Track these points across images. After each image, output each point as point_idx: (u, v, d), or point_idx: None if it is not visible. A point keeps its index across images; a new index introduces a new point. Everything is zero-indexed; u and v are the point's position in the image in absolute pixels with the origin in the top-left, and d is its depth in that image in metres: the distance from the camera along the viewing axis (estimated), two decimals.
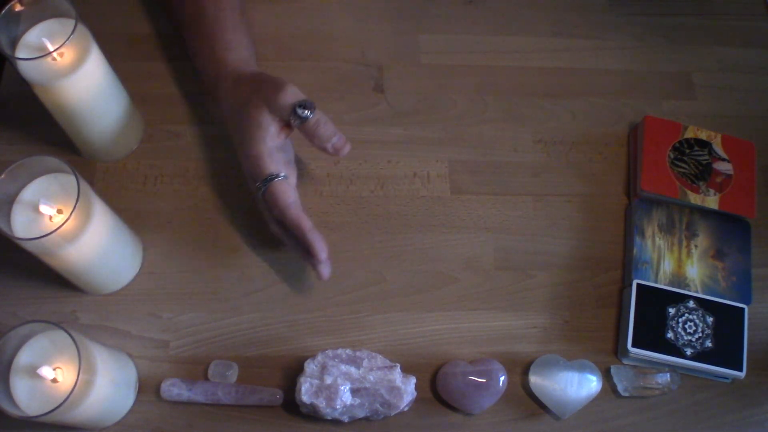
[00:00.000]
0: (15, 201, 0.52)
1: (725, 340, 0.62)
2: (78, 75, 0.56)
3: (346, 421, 0.57)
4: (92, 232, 0.53)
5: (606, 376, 0.62)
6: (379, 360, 0.58)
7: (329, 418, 0.56)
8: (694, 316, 0.63)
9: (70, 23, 0.54)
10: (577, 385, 0.59)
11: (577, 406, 0.59)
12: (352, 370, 0.57)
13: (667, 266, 0.65)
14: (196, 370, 0.60)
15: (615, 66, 0.76)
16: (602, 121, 0.73)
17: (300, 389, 0.56)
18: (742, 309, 0.64)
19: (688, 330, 0.62)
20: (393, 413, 0.57)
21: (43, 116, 0.61)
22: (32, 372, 0.49)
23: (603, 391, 0.61)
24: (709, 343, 0.62)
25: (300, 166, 0.68)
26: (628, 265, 0.66)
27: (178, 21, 0.68)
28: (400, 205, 0.68)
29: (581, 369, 0.60)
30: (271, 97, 0.57)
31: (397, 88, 0.73)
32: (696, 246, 0.66)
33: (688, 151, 0.68)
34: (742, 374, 0.61)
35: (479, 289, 0.65)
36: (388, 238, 0.66)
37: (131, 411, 0.58)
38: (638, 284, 0.63)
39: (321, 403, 0.55)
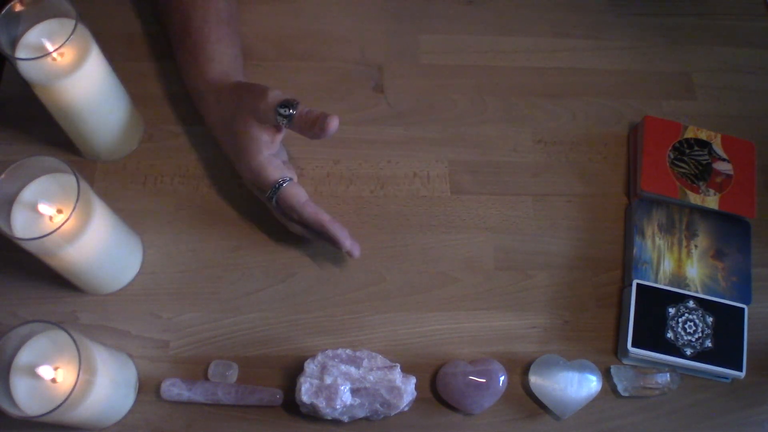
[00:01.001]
0: (15, 201, 0.52)
1: (725, 340, 0.62)
2: (78, 75, 0.56)
3: (346, 421, 0.57)
4: (92, 232, 0.53)
5: (606, 376, 0.62)
6: (379, 360, 0.58)
7: (329, 418, 0.56)
8: (694, 316, 0.63)
9: (70, 23, 0.54)
10: (577, 385, 0.59)
11: (577, 406, 0.60)
12: (352, 370, 0.57)
13: (667, 266, 0.65)
14: (196, 370, 0.60)
15: (615, 66, 0.76)
16: (602, 121, 0.73)
17: (300, 389, 0.56)
18: (742, 309, 0.64)
19: (688, 330, 0.62)
20: (393, 413, 0.57)
21: (43, 116, 0.61)
22: (32, 372, 0.49)
23: (603, 391, 0.61)
24: (709, 343, 0.62)
25: (300, 165, 0.68)
26: (628, 265, 0.66)
27: (167, 35, 0.69)
28: (400, 205, 0.68)
29: (581, 369, 0.60)
30: (254, 106, 0.57)
31: (397, 88, 0.73)
32: (696, 246, 0.66)
33: (688, 151, 0.68)
34: (742, 374, 0.61)
35: (479, 289, 0.65)
36: (388, 238, 0.66)
37: (131, 411, 0.58)
38: (638, 284, 0.63)
39: (321, 403, 0.55)
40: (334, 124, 0.55)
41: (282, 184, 0.59)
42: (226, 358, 0.61)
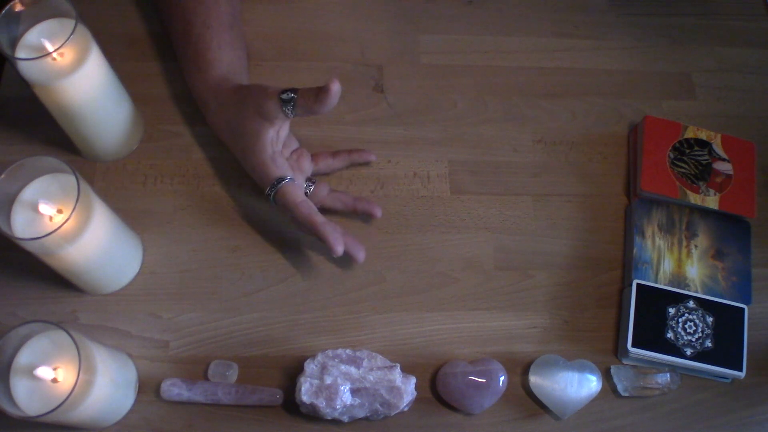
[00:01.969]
0: (15, 201, 0.52)
1: (725, 340, 0.62)
2: (78, 75, 0.56)
3: (346, 421, 0.57)
4: (92, 232, 0.53)
5: (606, 376, 0.62)
6: (379, 360, 0.58)
7: (329, 418, 0.56)
8: (694, 316, 0.63)
9: (70, 23, 0.54)
10: (577, 385, 0.59)
11: (577, 406, 0.60)
12: (352, 370, 0.57)
13: (667, 266, 0.65)
14: (196, 370, 0.60)
15: (615, 66, 0.76)
16: (602, 121, 0.73)
17: (300, 389, 0.56)
18: (742, 309, 0.64)
19: (688, 330, 0.62)
20: (393, 413, 0.57)
21: (43, 116, 0.61)
22: (32, 372, 0.49)
23: (603, 391, 0.61)
24: (709, 343, 0.62)
25: None
26: (628, 265, 0.66)
27: (169, 39, 0.69)
28: (400, 205, 0.68)
29: (581, 369, 0.60)
30: (258, 103, 0.58)
31: (397, 88, 0.73)
32: (696, 246, 0.66)
33: (688, 151, 0.68)
34: (742, 374, 0.61)
35: (479, 289, 0.65)
36: (388, 238, 0.66)
37: (131, 411, 0.58)
38: (638, 284, 0.63)
39: (321, 403, 0.55)
40: (336, 84, 0.55)
41: (280, 182, 0.59)
42: (226, 358, 0.61)
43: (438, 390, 0.60)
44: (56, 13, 0.56)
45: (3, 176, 0.50)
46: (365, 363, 0.58)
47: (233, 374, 0.60)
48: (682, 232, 0.67)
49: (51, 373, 0.49)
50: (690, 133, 0.69)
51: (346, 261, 0.65)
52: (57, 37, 0.55)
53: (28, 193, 0.53)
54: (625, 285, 0.65)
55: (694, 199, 0.66)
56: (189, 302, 0.63)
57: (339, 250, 0.58)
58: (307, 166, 0.65)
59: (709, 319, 0.63)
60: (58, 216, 0.52)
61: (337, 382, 0.56)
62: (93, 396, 0.50)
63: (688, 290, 0.64)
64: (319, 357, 0.57)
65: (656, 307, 0.63)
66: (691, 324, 0.63)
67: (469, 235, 0.67)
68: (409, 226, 0.67)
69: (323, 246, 0.59)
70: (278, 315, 0.63)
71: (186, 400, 0.58)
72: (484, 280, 0.65)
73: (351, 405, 0.56)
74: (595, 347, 0.64)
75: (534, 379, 0.61)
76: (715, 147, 0.69)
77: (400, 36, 0.76)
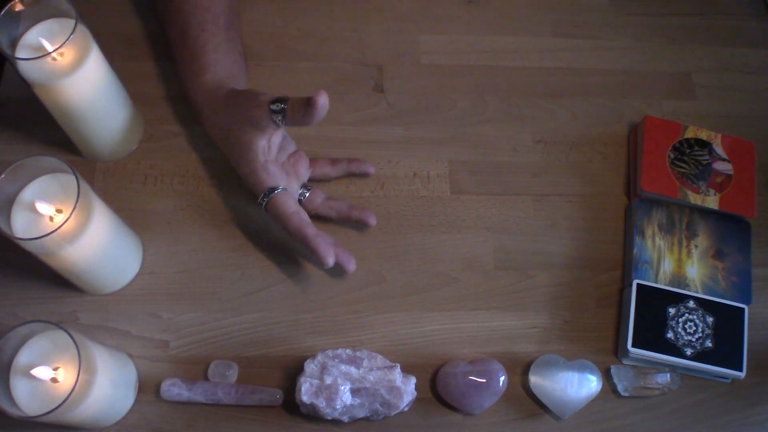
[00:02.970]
0: (15, 201, 0.52)
1: (725, 340, 0.62)
2: (78, 75, 0.56)
3: (346, 421, 0.57)
4: (92, 232, 0.53)
5: (606, 376, 0.62)
6: (379, 360, 0.58)
7: (329, 418, 0.56)
8: (694, 316, 0.63)
9: (70, 23, 0.54)
10: (577, 385, 0.59)
11: (577, 406, 0.60)
12: (352, 370, 0.57)
13: (667, 266, 0.65)
14: (196, 370, 0.60)
15: (615, 66, 0.76)
16: (602, 121, 0.73)
17: (300, 389, 0.56)
18: (742, 309, 0.64)
19: (688, 330, 0.62)
20: (393, 413, 0.57)
21: (43, 116, 0.61)
22: (32, 372, 0.49)
23: (603, 391, 0.61)
24: (709, 343, 0.62)
25: None
26: (628, 265, 0.66)
27: (167, 42, 0.68)
28: (400, 205, 0.68)
29: (581, 369, 0.60)
30: (248, 112, 0.57)
31: (397, 88, 0.73)
32: (696, 246, 0.66)
33: (688, 151, 0.68)
34: (742, 374, 0.61)
35: (479, 289, 0.65)
36: (388, 238, 0.66)
37: (131, 411, 0.58)
38: (638, 284, 0.63)
39: (321, 403, 0.55)
40: (323, 97, 0.54)
41: (272, 192, 0.59)
42: (226, 358, 0.61)
43: (438, 390, 0.60)
44: (56, 13, 0.56)
45: (3, 176, 0.50)
46: (365, 363, 0.58)
47: (233, 374, 0.60)
48: (682, 232, 0.67)
49: (51, 373, 0.49)
50: (690, 133, 0.69)
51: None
52: (57, 37, 0.55)
53: (28, 193, 0.53)
54: (625, 285, 0.65)
55: (694, 199, 0.66)
56: (189, 302, 0.63)
57: (330, 262, 0.58)
58: (304, 172, 0.64)
59: (709, 319, 0.63)
60: (58, 216, 0.52)
61: (337, 382, 0.56)
62: (93, 396, 0.50)
63: (688, 290, 0.64)
64: (319, 357, 0.57)
65: (656, 307, 0.63)
66: (691, 324, 0.63)
67: (469, 235, 0.67)
68: (409, 226, 0.67)
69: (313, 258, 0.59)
70: (278, 315, 0.63)
71: (186, 400, 0.58)
72: (484, 280, 0.65)
73: (351, 405, 0.56)
74: (595, 347, 0.64)
75: (534, 379, 0.61)
76: (715, 147, 0.69)
77: (400, 36, 0.76)
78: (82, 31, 0.56)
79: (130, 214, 0.64)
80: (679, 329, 0.62)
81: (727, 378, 0.63)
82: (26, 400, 0.49)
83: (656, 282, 0.64)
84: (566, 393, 0.59)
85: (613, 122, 0.73)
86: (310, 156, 0.66)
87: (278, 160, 0.62)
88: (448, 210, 0.68)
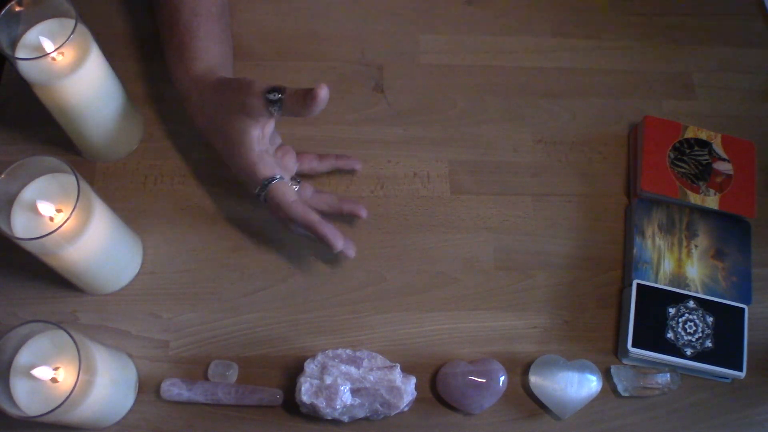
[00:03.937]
0: (15, 201, 0.52)
1: (725, 340, 0.62)
2: (78, 75, 0.56)
3: (346, 421, 0.57)
4: (92, 232, 0.53)
5: (606, 376, 0.62)
6: (379, 360, 0.58)
7: (329, 418, 0.56)
8: (694, 316, 0.63)
9: (70, 23, 0.54)
10: (577, 385, 0.59)
11: (577, 406, 0.60)
12: (352, 370, 0.57)
13: (667, 266, 0.65)
14: (196, 370, 0.60)
15: (615, 66, 0.76)
16: (602, 121, 0.73)
17: (300, 389, 0.56)
18: (742, 309, 0.64)
19: (688, 330, 0.62)
20: (393, 413, 0.57)
21: (43, 116, 0.61)
22: (32, 372, 0.49)
23: (603, 391, 0.61)
24: (709, 343, 0.62)
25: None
26: (628, 265, 0.66)
27: (157, 29, 0.67)
28: (400, 205, 0.68)
29: (581, 369, 0.60)
30: (242, 100, 0.56)
31: (397, 88, 0.73)
32: (696, 246, 0.66)
33: (688, 151, 0.68)
34: (742, 374, 0.61)
35: (479, 289, 0.65)
36: (388, 238, 0.66)
37: (131, 411, 0.58)
38: (638, 284, 0.63)
39: (321, 403, 0.55)
40: (324, 90, 0.54)
41: (270, 182, 0.58)
42: (226, 358, 0.61)
43: (438, 390, 0.60)
44: (56, 13, 0.56)
45: (3, 176, 0.50)
46: (365, 363, 0.58)
47: (233, 374, 0.60)
48: (682, 232, 0.67)
49: (51, 373, 0.49)
50: (690, 133, 0.69)
51: (346, 261, 0.65)
52: (57, 37, 0.55)
53: (28, 193, 0.53)
54: (625, 285, 0.65)
55: (694, 199, 0.66)
56: (189, 302, 0.63)
57: (339, 245, 0.58)
58: (292, 165, 0.64)
59: (709, 319, 0.63)
60: (58, 216, 0.52)
61: (337, 382, 0.56)
62: (93, 396, 0.50)
63: (688, 290, 0.64)
64: (319, 357, 0.57)
65: (656, 307, 0.63)
66: (691, 324, 0.63)
67: (469, 235, 0.67)
68: (409, 226, 0.67)
69: (318, 245, 0.59)
70: (278, 315, 0.63)
71: (186, 400, 0.58)
72: (484, 280, 0.65)
73: (351, 405, 0.56)
74: (595, 347, 0.64)
75: (534, 379, 0.61)
76: (715, 147, 0.69)
77: (400, 36, 0.76)
78: (82, 31, 0.56)
79: (130, 214, 0.64)
80: (679, 329, 0.62)
81: (727, 378, 0.63)
82: (26, 400, 0.49)
83: (656, 282, 0.64)
84: (566, 393, 0.59)
85: (613, 122, 0.73)
86: (297, 150, 0.65)
87: (269, 151, 0.60)
88: (448, 210, 0.68)
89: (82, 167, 0.66)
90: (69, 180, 0.51)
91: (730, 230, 0.67)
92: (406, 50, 0.75)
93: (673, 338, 0.62)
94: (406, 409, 0.58)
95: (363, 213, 0.64)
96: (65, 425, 0.53)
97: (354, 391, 0.56)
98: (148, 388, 0.59)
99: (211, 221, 0.66)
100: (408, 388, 0.57)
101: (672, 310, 0.63)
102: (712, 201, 0.66)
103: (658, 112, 0.74)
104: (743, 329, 0.63)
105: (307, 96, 0.54)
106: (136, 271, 0.63)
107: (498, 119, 0.73)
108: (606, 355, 0.64)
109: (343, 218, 0.66)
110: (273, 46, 0.74)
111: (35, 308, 0.61)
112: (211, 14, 0.64)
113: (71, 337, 0.47)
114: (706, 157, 0.68)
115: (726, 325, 0.63)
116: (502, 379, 0.59)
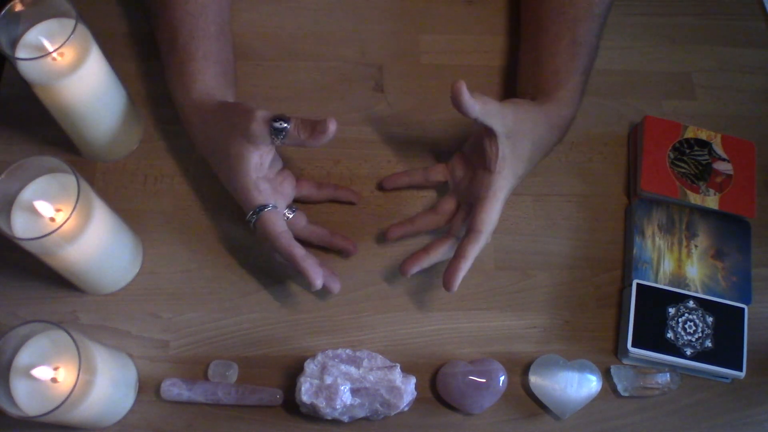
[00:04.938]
0: (15, 201, 0.52)
1: (725, 340, 0.62)
2: (78, 75, 0.56)
3: (346, 421, 0.57)
4: (92, 232, 0.53)
5: (606, 376, 0.62)
6: (379, 360, 0.58)
7: (329, 418, 0.56)
8: (694, 316, 0.63)
9: (70, 23, 0.54)
10: (577, 385, 0.59)
11: (577, 406, 0.60)
12: (352, 370, 0.57)
13: (667, 266, 0.65)
14: (196, 370, 0.60)
15: (615, 66, 0.76)
16: (602, 121, 0.73)
17: (300, 389, 0.56)
18: (742, 309, 0.64)
19: (688, 330, 0.62)
20: (393, 413, 0.57)
21: (43, 116, 0.61)
22: (32, 372, 0.49)
23: (603, 391, 0.61)
24: (709, 343, 0.62)
25: (300, 165, 0.68)
26: (628, 265, 0.66)
27: (157, 48, 0.67)
28: (400, 205, 0.68)
29: (581, 369, 0.60)
30: (245, 126, 0.56)
31: (397, 88, 0.73)
32: (696, 246, 0.66)
33: (688, 151, 0.68)
34: (742, 374, 0.61)
35: (479, 289, 0.65)
36: None
37: (131, 411, 0.58)
38: (638, 284, 0.63)
39: (321, 403, 0.55)
40: (334, 124, 0.55)
41: (262, 209, 0.58)
42: (226, 358, 0.61)
43: (438, 390, 0.60)
44: (56, 13, 0.56)
45: (3, 176, 0.50)
46: (365, 363, 0.58)
47: (233, 374, 0.60)
48: (682, 232, 0.67)
49: (51, 373, 0.49)
50: (690, 133, 0.69)
51: (346, 261, 0.65)
52: (57, 37, 0.55)
53: (28, 193, 0.53)
54: (625, 285, 0.65)
55: (694, 199, 0.66)
56: (189, 302, 0.63)
57: (318, 284, 0.57)
58: (290, 192, 0.63)
59: (709, 319, 0.63)
60: (58, 216, 0.52)
61: (337, 382, 0.56)
62: (93, 396, 0.50)
63: (688, 290, 0.64)
64: (319, 357, 0.57)
65: (656, 307, 0.63)
66: (691, 324, 0.63)
67: None
68: None
69: (300, 277, 0.58)
70: (278, 315, 0.63)
71: (186, 400, 0.58)
72: (484, 280, 0.65)
73: (351, 405, 0.56)
74: (595, 347, 0.64)
75: (534, 379, 0.61)
76: (715, 147, 0.69)
77: (400, 36, 0.76)
78: (82, 31, 0.56)
79: (130, 214, 0.64)
80: (679, 329, 0.62)
81: (727, 378, 0.63)
82: (26, 400, 0.49)
83: (656, 282, 0.64)
84: (566, 393, 0.59)
85: (613, 122, 0.73)
86: (296, 174, 0.65)
87: (267, 177, 0.60)
88: None
89: (82, 167, 0.66)
90: (69, 180, 0.51)
91: (730, 230, 0.67)
92: (406, 50, 0.75)
93: (673, 338, 0.62)
94: (406, 409, 0.58)
95: (354, 250, 0.64)
96: (65, 425, 0.53)
97: (354, 391, 0.56)
98: (148, 388, 0.59)
99: (211, 221, 0.66)
100: (408, 388, 0.57)
101: (672, 310, 0.63)
102: (712, 201, 0.66)
103: (658, 112, 0.74)
104: (743, 329, 0.63)
105: (317, 127, 0.55)
106: (136, 271, 0.63)
107: None
108: (606, 355, 0.64)
109: (343, 218, 0.66)
110: (273, 46, 0.74)
111: (35, 308, 0.61)
112: (208, 35, 0.63)
113: (71, 337, 0.47)
114: (706, 157, 0.68)
115: (726, 325, 0.63)
116: (502, 379, 0.59)
